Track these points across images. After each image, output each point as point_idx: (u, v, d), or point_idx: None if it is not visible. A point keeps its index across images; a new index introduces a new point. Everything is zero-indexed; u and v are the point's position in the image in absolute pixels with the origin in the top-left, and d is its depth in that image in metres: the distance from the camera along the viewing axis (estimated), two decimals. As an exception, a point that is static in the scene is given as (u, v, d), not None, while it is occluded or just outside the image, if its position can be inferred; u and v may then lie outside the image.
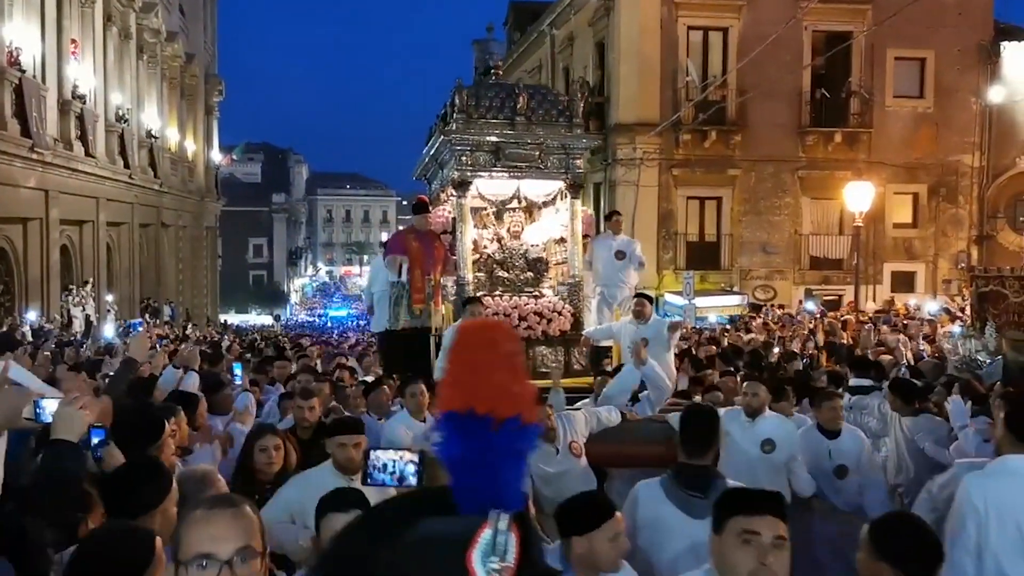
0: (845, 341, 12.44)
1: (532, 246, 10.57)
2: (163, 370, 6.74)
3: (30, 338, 16.82)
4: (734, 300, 22.23)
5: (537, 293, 10.16)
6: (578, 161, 9.81)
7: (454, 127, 9.54)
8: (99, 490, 2.91)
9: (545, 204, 10.45)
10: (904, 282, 23.86)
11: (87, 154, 23.81)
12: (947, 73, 23.48)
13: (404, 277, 9.73)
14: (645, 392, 6.78)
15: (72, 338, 18.40)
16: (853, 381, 7.58)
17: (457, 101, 9.59)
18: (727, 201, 23.74)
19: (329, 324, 55.99)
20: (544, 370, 9.21)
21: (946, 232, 23.91)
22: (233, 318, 53.55)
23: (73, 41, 23.30)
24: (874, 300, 22.11)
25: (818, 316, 17.51)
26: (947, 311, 15.51)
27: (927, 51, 23.39)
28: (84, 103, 23.55)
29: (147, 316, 28.97)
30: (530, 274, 10.33)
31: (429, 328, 9.51)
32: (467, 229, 9.79)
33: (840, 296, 23.39)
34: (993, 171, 23.74)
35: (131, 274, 28.76)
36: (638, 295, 8.72)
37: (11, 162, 19.70)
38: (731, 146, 23.37)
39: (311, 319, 64.37)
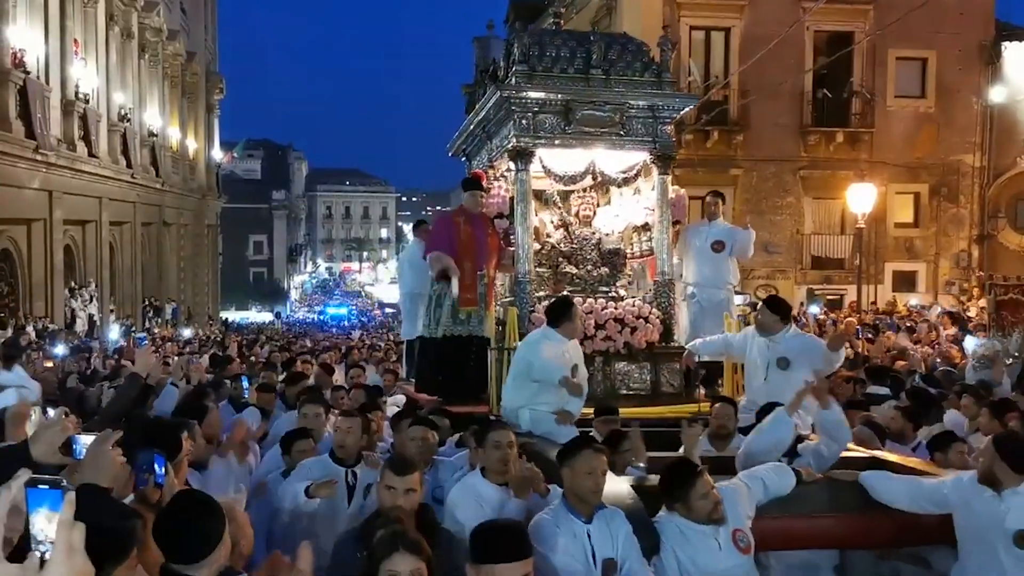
0: (860, 348, 12.41)
1: (606, 235, 8.70)
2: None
3: (34, 337, 16.90)
4: (736, 300, 22.23)
5: (614, 293, 8.27)
6: (668, 127, 7.87)
7: (514, 81, 7.62)
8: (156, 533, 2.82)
9: (625, 181, 8.38)
10: (906, 282, 23.91)
11: (90, 154, 23.85)
12: (948, 73, 23.50)
13: (454, 289, 7.60)
14: (807, 444, 5.02)
15: (79, 341, 18.47)
16: (870, 389, 7.59)
17: (516, 51, 7.69)
18: (729, 201, 23.74)
19: (329, 321, 55.99)
20: (625, 392, 7.58)
21: (947, 232, 23.94)
22: (233, 315, 53.60)
23: (75, 42, 23.31)
24: (875, 300, 22.15)
25: (823, 318, 17.54)
26: (950, 314, 15.55)
27: (928, 51, 23.39)
28: (87, 103, 23.59)
29: (149, 315, 29.07)
30: (604, 269, 8.39)
31: (479, 337, 7.68)
32: (529, 211, 7.84)
33: (842, 296, 23.46)
34: (994, 171, 23.75)
35: (133, 273, 28.80)
36: (770, 300, 6.60)
37: (15, 163, 19.75)
38: (733, 146, 23.40)
39: (311, 316, 64.31)
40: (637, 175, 8.20)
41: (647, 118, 7.79)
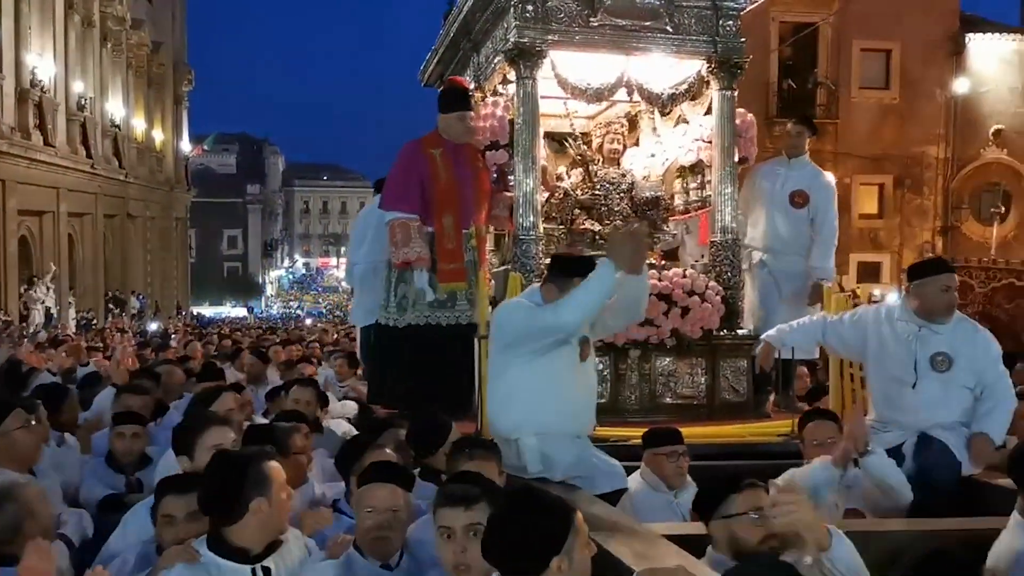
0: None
1: (643, 179, 6.42)
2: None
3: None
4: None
5: (655, 259, 5.98)
6: (732, 23, 5.74)
7: None
8: None
9: (672, 100, 5.99)
10: (870, 272, 23.93)
11: (46, 143, 23.49)
12: (913, 65, 23.50)
13: (417, 284, 5.38)
14: None
15: (33, 330, 18.15)
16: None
17: None
18: (694, 192, 23.67)
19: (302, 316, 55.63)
20: (671, 400, 5.51)
21: (911, 223, 23.99)
22: (207, 310, 53.19)
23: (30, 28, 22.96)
24: (841, 288, 22.13)
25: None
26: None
27: (893, 43, 23.40)
28: (43, 92, 23.21)
29: (112, 308, 28.72)
30: (639, 225, 6.02)
31: (468, 326, 5.35)
32: (537, 142, 5.57)
33: (806, 287, 23.49)
34: (958, 162, 23.82)
35: (95, 265, 28.43)
36: (948, 267, 4.40)
37: (-36, 151, 19.40)
38: (698, 136, 23.34)
39: (287, 311, 63.91)
40: (687, 92, 5.93)
41: (704, 9, 5.69)
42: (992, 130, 23.72)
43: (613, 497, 3.67)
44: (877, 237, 24.12)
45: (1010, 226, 23.69)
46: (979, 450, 4.05)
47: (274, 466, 2.85)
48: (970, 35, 23.51)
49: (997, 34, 23.90)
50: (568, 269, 3.79)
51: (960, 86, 23.23)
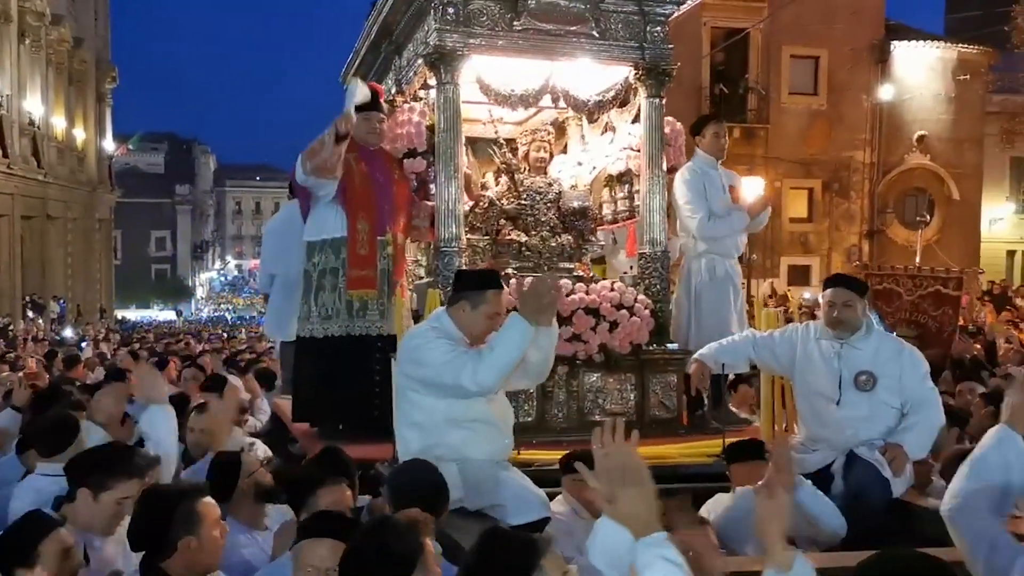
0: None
1: (570, 188, 6.24)
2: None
3: None
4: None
5: (582, 271, 5.92)
6: (660, 29, 5.59)
7: None
8: None
9: (599, 108, 5.87)
10: (800, 275, 24.33)
11: (-42, 143, 22.48)
12: (840, 71, 23.99)
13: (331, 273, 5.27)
14: None
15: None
16: None
17: None
18: (628, 195, 23.77)
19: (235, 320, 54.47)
20: (600, 416, 5.15)
21: (839, 226, 24.49)
22: (133, 314, 51.76)
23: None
24: (773, 291, 22.42)
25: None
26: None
27: (821, 49, 23.87)
28: (-45, 89, 22.23)
29: (29, 313, 27.62)
30: (567, 237, 5.96)
31: (378, 337, 5.17)
32: (459, 149, 5.33)
33: (738, 290, 23.74)
34: (883, 167, 24.41)
35: (11, 268, 27.31)
36: (837, 281, 4.37)
37: None
38: (631, 140, 23.41)
39: (218, 314, 62.52)
40: (613, 100, 5.79)
41: (632, 14, 5.52)
42: (916, 136, 24.35)
43: (534, 527, 3.50)
44: (807, 241, 24.54)
45: (933, 230, 24.34)
46: (891, 456, 3.98)
47: (206, 503, 2.86)
48: (895, 43, 24.11)
49: (921, 42, 24.56)
50: (477, 282, 3.74)
51: (885, 92, 23.81)
